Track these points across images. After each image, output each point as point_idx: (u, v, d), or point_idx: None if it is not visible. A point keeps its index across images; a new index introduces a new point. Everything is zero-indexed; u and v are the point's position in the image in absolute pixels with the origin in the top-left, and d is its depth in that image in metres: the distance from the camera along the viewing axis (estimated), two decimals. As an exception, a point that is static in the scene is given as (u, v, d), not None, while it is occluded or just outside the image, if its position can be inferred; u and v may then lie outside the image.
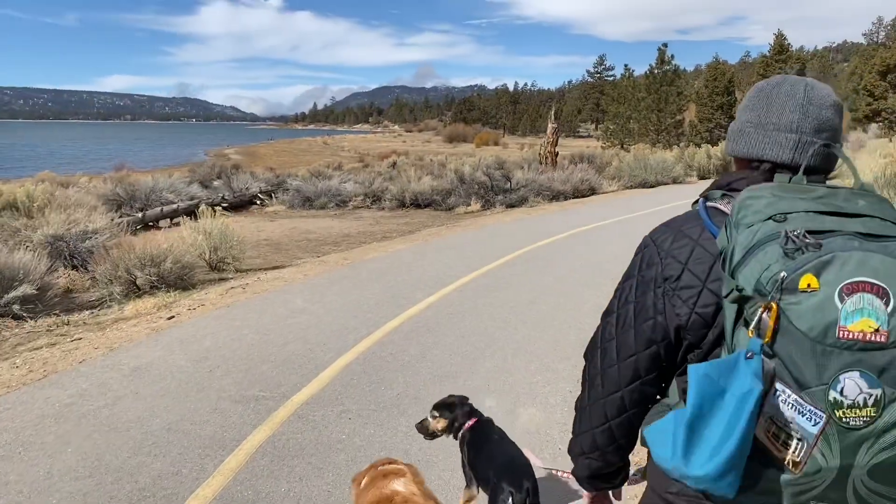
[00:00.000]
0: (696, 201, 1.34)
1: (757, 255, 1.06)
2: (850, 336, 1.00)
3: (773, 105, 1.32)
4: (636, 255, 1.38)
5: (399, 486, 2.31)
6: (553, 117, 25.27)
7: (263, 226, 15.91)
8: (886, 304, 1.00)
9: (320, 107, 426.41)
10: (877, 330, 0.99)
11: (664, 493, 1.29)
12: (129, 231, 12.78)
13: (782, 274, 1.02)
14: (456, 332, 6.03)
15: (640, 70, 56.52)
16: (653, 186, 23.37)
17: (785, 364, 1.03)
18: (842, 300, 1.00)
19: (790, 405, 1.04)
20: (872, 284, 1.00)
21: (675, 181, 24.44)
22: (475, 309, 6.86)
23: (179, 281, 8.83)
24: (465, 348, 5.62)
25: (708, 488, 1.06)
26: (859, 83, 63.19)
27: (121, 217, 16.19)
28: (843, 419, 1.01)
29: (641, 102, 53.12)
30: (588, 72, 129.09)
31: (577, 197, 19.80)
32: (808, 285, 1.01)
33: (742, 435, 1.02)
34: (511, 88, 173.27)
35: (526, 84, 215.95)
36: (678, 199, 17.49)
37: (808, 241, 1.03)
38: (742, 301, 1.07)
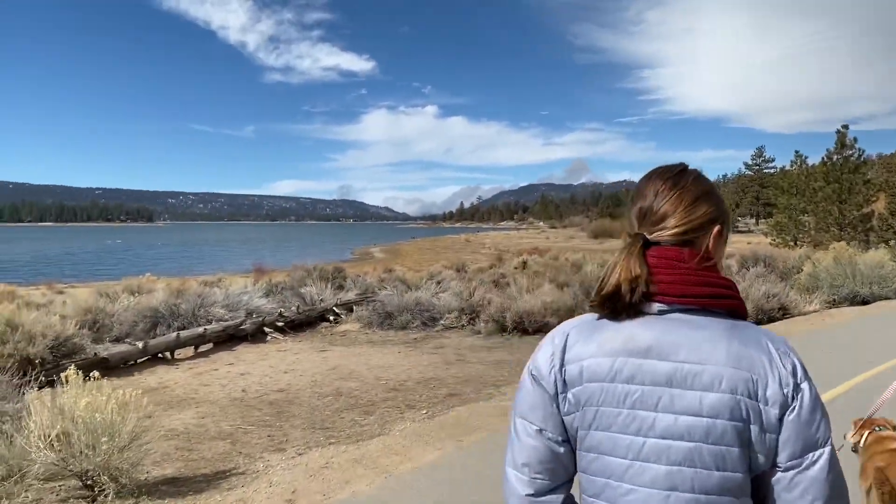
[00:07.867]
0: None
1: None
2: None
3: None
4: None
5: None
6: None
7: (300, 361, 11.21)
8: None
9: (467, 205, 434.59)
10: None
11: None
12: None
13: None
14: None
15: (811, 160, 48.65)
16: (866, 302, 16.49)
17: None
18: None
19: None
20: None
21: (897, 294, 17.26)
22: None
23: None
24: None
25: None
26: None
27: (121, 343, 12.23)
28: None
29: (819, 193, 45.11)
30: (746, 164, 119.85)
31: (762, 321, 13.53)
32: None
33: None
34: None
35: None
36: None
37: None
38: None
